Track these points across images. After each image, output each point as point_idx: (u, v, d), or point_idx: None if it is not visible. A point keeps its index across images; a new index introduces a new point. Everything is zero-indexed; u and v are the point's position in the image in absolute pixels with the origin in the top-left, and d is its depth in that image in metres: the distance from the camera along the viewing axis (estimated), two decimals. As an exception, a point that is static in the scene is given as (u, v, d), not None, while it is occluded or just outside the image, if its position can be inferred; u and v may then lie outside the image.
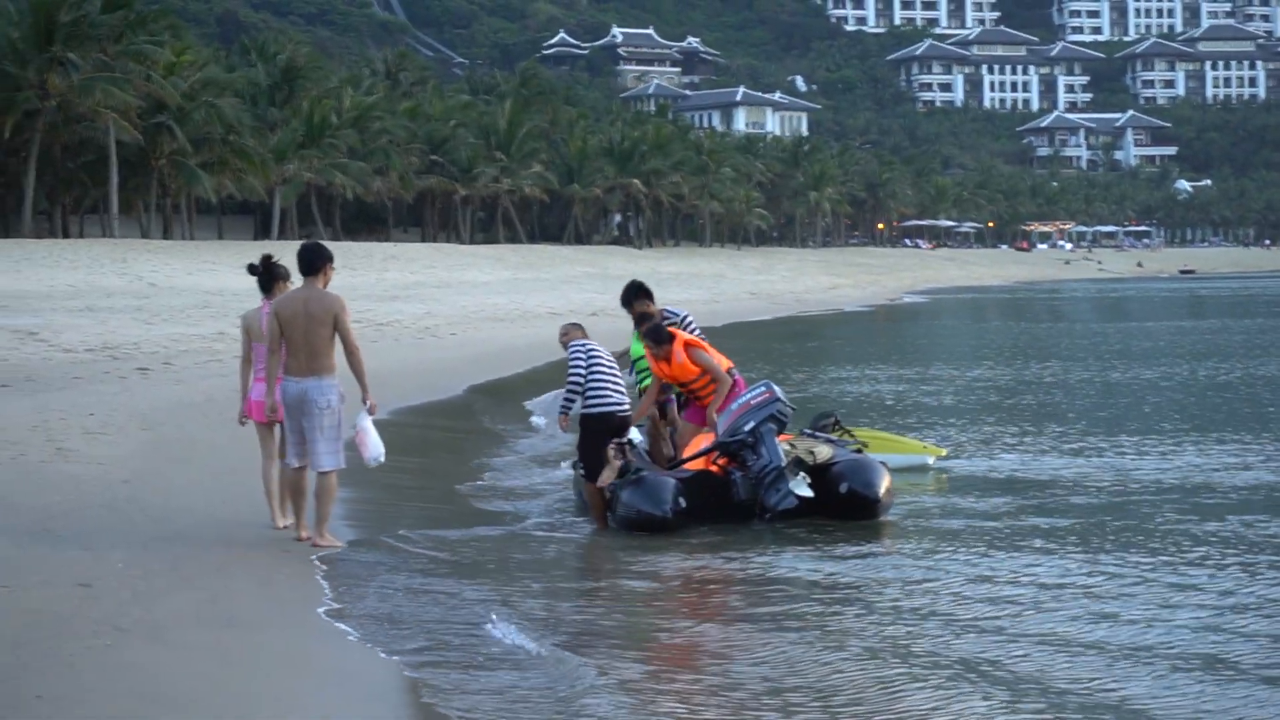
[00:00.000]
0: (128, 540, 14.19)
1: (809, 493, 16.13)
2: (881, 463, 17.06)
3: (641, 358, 17.71)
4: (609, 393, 16.50)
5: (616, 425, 16.51)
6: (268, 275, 15.70)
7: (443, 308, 53.12)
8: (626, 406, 16.71)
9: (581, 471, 16.89)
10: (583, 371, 16.56)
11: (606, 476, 16.31)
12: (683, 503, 16.12)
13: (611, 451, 16.33)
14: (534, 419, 18.47)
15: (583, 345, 16.88)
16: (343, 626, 11.94)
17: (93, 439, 20.35)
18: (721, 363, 17.35)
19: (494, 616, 12.28)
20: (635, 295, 17.93)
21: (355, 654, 11.20)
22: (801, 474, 16.27)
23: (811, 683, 10.62)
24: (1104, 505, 17.96)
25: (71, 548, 13.63)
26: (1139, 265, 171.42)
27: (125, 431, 21.32)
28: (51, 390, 25.42)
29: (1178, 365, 40.20)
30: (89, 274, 55.75)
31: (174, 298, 49.40)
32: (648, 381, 17.63)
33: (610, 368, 16.72)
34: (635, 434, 17.79)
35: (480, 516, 17.45)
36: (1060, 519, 17.06)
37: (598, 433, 16.46)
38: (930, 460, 20.72)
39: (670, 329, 17.32)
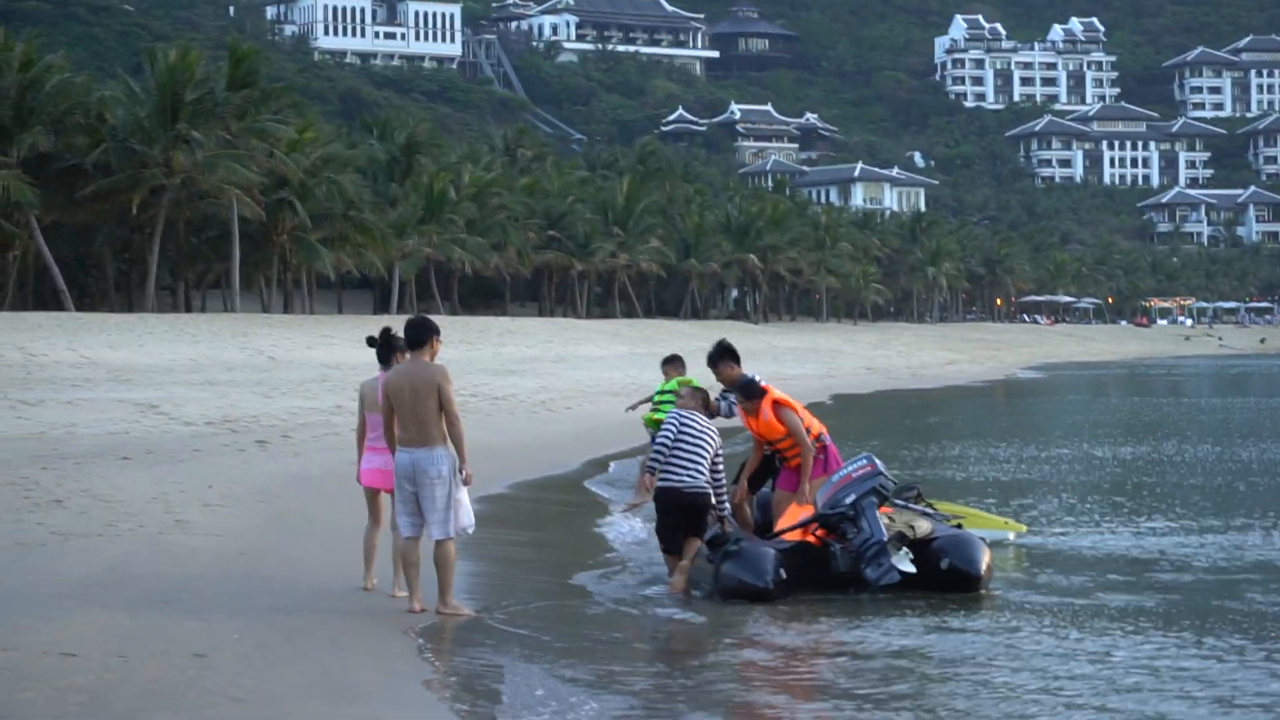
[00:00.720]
0: (244, 611, 14.33)
1: (911, 569, 16.07)
2: (981, 538, 17.01)
3: (665, 392, 17.86)
4: (676, 468, 16.41)
5: (680, 502, 16.43)
6: (385, 347, 15.92)
7: (558, 382, 53.21)
8: (692, 484, 16.42)
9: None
10: (669, 439, 16.58)
11: (678, 582, 16.45)
12: (783, 574, 16.11)
13: (710, 518, 16.53)
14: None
15: (677, 416, 16.89)
16: (443, 701, 12.04)
17: (211, 511, 20.55)
18: (813, 427, 17.40)
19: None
20: (720, 356, 17.96)
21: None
22: (904, 549, 16.20)
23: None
24: (1195, 585, 17.80)
25: (188, 619, 13.76)
26: (1262, 341, 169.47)
27: (243, 504, 21.51)
28: (171, 463, 25.65)
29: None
30: (210, 348, 56.22)
31: (293, 371, 49.73)
32: (663, 412, 17.75)
33: (695, 441, 16.56)
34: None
35: (581, 592, 17.47)
36: (1149, 597, 16.87)
37: (662, 506, 16.54)
38: (1011, 536, 20.47)
39: (764, 386, 17.42)
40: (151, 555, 16.97)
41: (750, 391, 17.48)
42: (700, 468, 16.50)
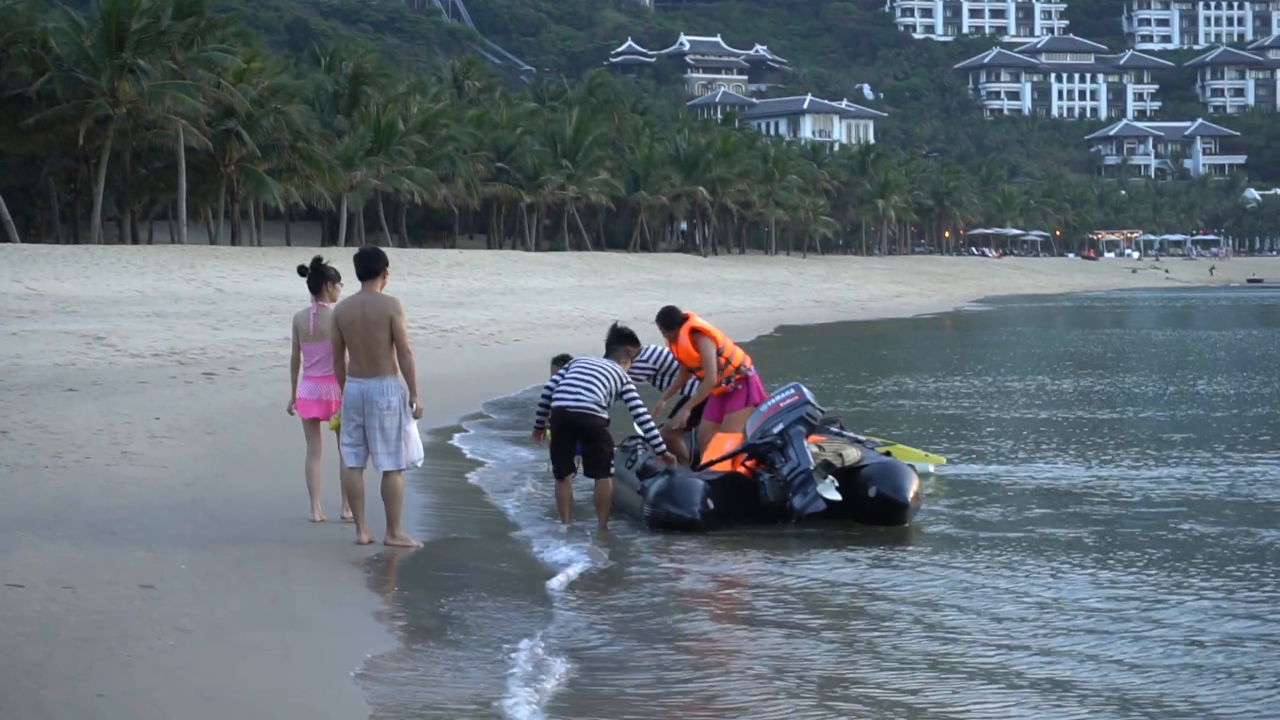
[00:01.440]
0: (191, 542, 14.36)
1: (837, 496, 16.06)
2: (910, 466, 17.07)
3: None
4: (564, 392, 16.43)
5: (567, 420, 16.37)
6: (317, 277, 16.00)
7: (507, 314, 53.24)
8: (577, 404, 16.33)
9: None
10: (553, 384, 16.77)
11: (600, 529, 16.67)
12: (711, 504, 16.17)
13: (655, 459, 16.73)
14: None
15: (570, 363, 17.10)
16: (391, 631, 12.13)
17: (158, 443, 20.55)
18: (734, 358, 17.58)
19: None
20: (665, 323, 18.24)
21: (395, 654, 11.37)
22: (830, 477, 16.18)
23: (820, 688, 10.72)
24: (1117, 516, 17.90)
25: (135, 549, 13.78)
26: (1211, 271, 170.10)
27: (190, 435, 21.52)
28: (118, 394, 25.62)
29: (1235, 377, 39.87)
30: (157, 280, 56.05)
31: (241, 303, 49.65)
32: None
33: (583, 372, 16.58)
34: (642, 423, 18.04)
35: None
36: (1082, 529, 16.95)
37: (554, 426, 16.54)
38: (931, 468, 20.49)
39: (685, 314, 17.81)
40: (98, 487, 16.97)
41: (670, 320, 17.74)
42: (587, 393, 16.39)
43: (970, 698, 10.47)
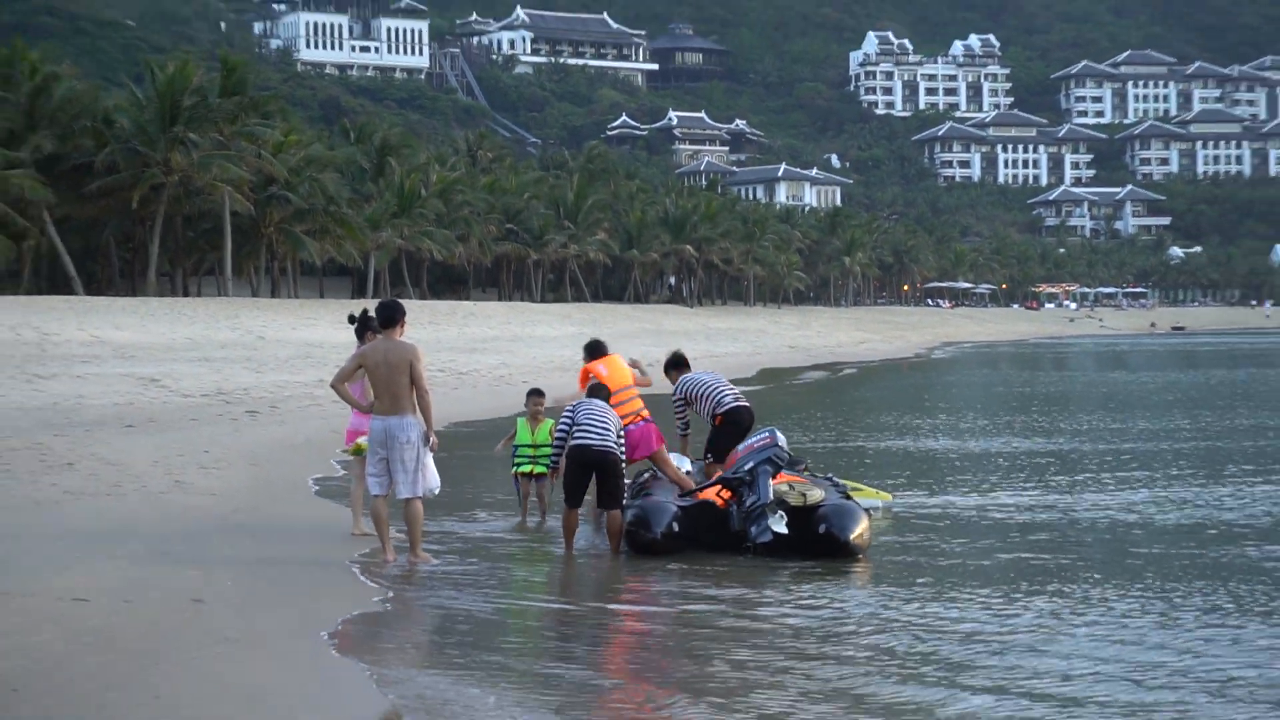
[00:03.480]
0: (235, 562, 14.41)
1: (783, 530, 15.95)
2: (866, 509, 16.86)
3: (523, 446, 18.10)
4: (584, 433, 16.16)
5: (589, 459, 16.17)
6: (363, 325, 16.24)
7: (516, 359, 53.24)
8: (600, 444, 16.10)
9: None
10: (569, 423, 16.42)
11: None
12: (676, 528, 16.10)
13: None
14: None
15: (573, 406, 16.72)
16: (409, 642, 12.16)
17: (206, 473, 20.59)
18: (624, 390, 17.54)
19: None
20: (672, 365, 18.37)
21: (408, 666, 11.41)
22: (780, 513, 16.07)
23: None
24: (1065, 542, 17.82)
25: (186, 568, 13.84)
26: (1152, 326, 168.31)
27: (235, 467, 21.55)
28: (171, 430, 25.65)
29: (1167, 415, 39.83)
30: (205, 328, 56.06)
31: (280, 349, 49.65)
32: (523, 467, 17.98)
33: (598, 414, 16.35)
34: (686, 463, 17.95)
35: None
36: (1036, 556, 16.77)
37: (573, 461, 16.27)
38: (879, 504, 20.41)
39: (612, 358, 18.02)
40: (154, 512, 17.02)
41: (596, 350, 18.14)
42: (606, 432, 16.23)
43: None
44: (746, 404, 17.92)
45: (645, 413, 17.70)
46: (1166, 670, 11.18)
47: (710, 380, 18.21)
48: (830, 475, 19.15)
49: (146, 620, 11.71)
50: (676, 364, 18.43)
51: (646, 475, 18.14)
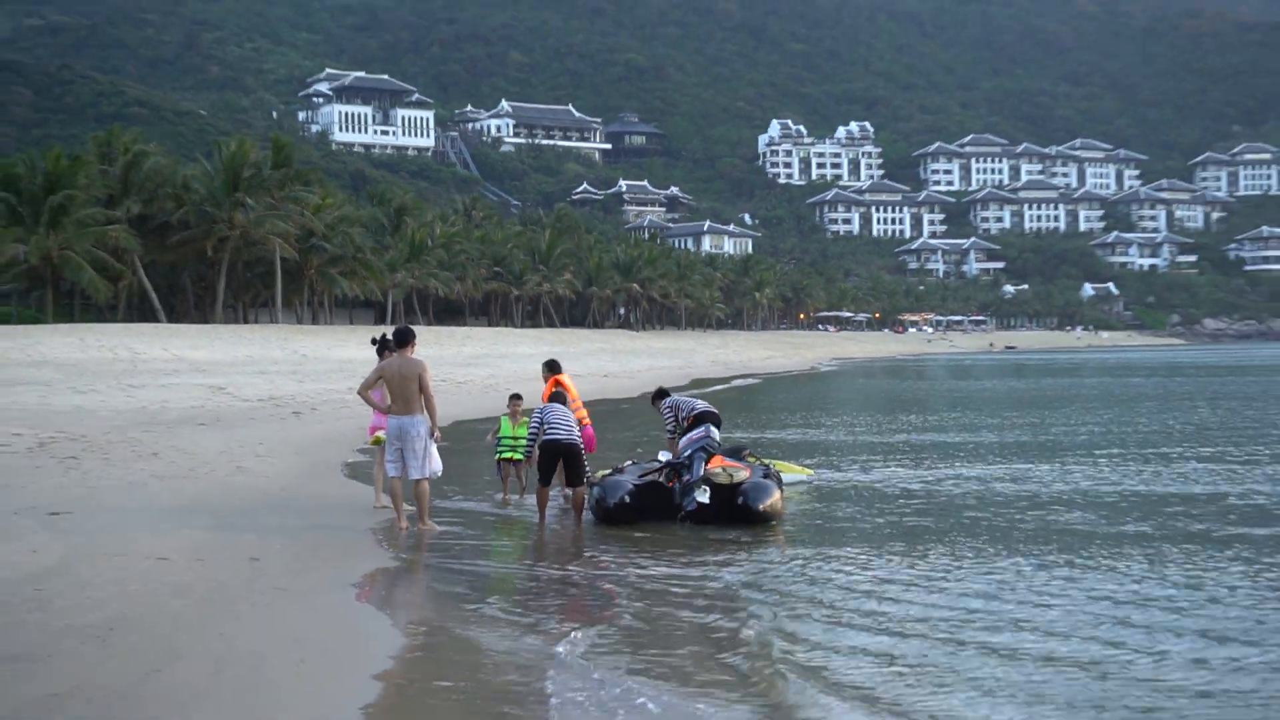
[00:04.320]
0: (284, 530, 14.39)
1: (705, 500, 16.06)
2: (778, 485, 16.78)
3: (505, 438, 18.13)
4: (553, 429, 16.09)
5: (558, 449, 16.10)
6: (382, 345, 16.29)
7: (501, 372, 53.22)
8: (568, 437, 16.05)
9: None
10: (538, 423, 16.26)
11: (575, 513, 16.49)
12: (628, 500, 16.06)
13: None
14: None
15: (540, 410, 16.53)
16: (425, 588, 12.16)
17: (261, 460, 20.54)
18: (575, 401, 17.38)
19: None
20: (657, 396, 18.49)
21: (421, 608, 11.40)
22: (704, 487, 16.15)
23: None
24: (939, 508, 17.96)
25: (246, 534, 13.82)
26: (990, 345, 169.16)
27: (284, 456, 21.51)
28: (234, 428, 25.59)
29: (1002, 411, 40.06)
30: (260, 349, 55.92)
31: (318, 365, 49.56)
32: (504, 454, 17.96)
33: (561, 414, 16.25)
34: (663, 454, 18.00)
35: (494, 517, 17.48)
36: (922, 520, 16.99)
37: (545, 452, 16.16)
38: (803, 477, 20.73)
39: (558, 379, 17.63)
40: (220, 491, 16.98)
41: (554, 367, 18.01)
42: (571, 428, 16.23)
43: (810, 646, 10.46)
44: (711, 408, 17.99)
45: (588, 420, 17.92)
46: (1007, 607, 11.24)
47: (685, 399, 18.26)
48: (764, 461, 19.19)
49: (213, 575, 11.69)
50: (661, 394, 18.55)
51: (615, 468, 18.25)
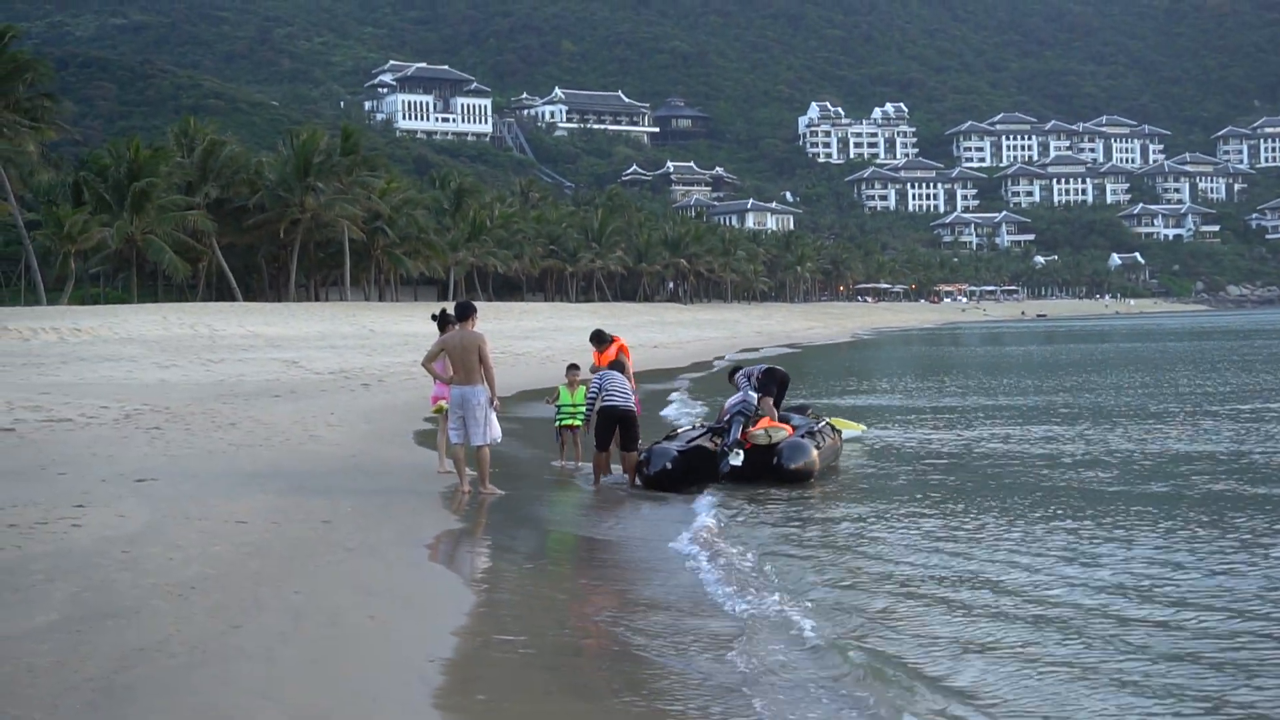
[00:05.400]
0: (354, 493, 14.43)
1: (739, 463, 16.10)
2: (816, 446, 16.62)
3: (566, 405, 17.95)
4: (610, 395, 16.20)
5: (615, 415, 16.15)
6: (442, 321, 16.19)
7: (557, 344, 53.23)
8: (624, 403, 16.13)
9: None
10: (597, 388, 16.37)
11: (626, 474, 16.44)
12: (669, 466, 15.91)
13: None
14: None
15: (599, 376, 16.61)
16: (480, 545, 12.18)
17: (332, 429, 20.62)
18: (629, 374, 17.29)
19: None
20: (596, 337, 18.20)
21: (482, 561, 11.43)
22: (738, 450, 16.17)
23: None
24: (979, 470, 17.90)
25: (318, 497, 13.87)
26: (1022, 313, 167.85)
27: (353, 425, 21.58)
28: (306, 399, 25.71)
29: (1033, 375, 39.85)
30: (331, 324, 56.17)
31: (385, 339, 49.73)
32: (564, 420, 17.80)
33: (618, 382, 16.33)
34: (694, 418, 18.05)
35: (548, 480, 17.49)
36: (960, 479, 16.96)
37: (602, 417, 16.25)
38: (858, 433, 20.98)
39: (621, 344, 17.79)
40: (294, 457, 17.05)
41: (600, 337, 17.98)
42: (627, 395, 16.28)
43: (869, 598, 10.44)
44: (777, 366, 18.04)
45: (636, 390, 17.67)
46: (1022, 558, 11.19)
47: (750, 368, 18.08)
48: (824, 418, 19.20)
49: (289, 536, 11.73)
50: (734, 371, 18.40)
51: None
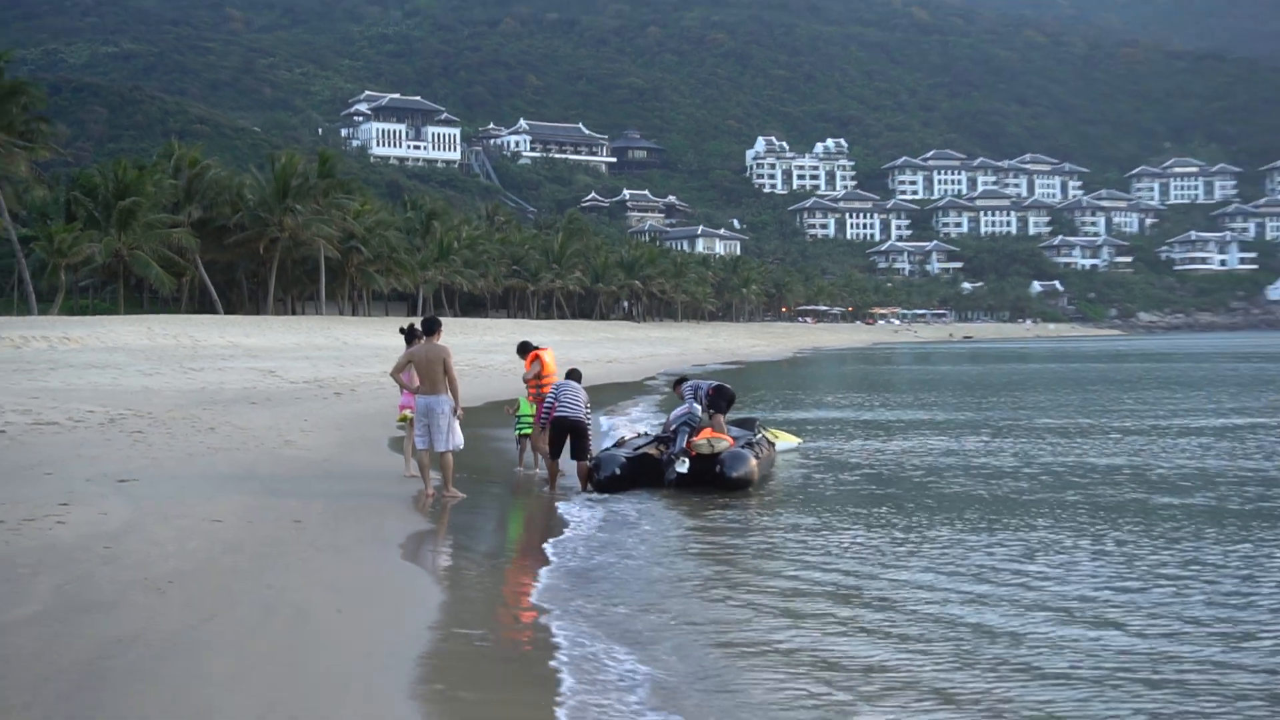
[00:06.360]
0: (325, 495, 14.36)
1: (685, 470, 16.12)
2: (754, 456, 16.63)
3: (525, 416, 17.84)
4: (563, 407, 16.19)
5: (567, 425, 16.14)
6: (409, 335, 16.18)
7: (518, 358, 53.07)
8: (574, 414, 16.08)
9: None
10: (552, 397, 16.37)
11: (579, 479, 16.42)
12: (618, 472, 15.99)
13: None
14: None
15: (556, 386, 16.62)
16: (442, 544, 12.16)
17: (305, 435, 20.51)
18: (545, 380, 17.42)
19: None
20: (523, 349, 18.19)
21: (446, 559, 11.40)
22: (684, 459, 16.19)
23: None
24: (899, 477, 18.00)
25: (290, 499, 13.80)
26: (950, 335, 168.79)
27: (325, 431, 21.48)
28: (282, 406, 25.56)
29: (959, 392, 40.12)
30: (306, 337, 55.86)
31: (357, 351, 49.48)
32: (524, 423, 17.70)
33: (572, 394, 16.32)
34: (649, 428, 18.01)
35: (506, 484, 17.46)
36: (882, 487, 17.04)
37: (555, 427, 16.23)
38: (795, 444, 21.01)
39: (538, 353, 17.89)
40: (269, 461, 16.95)
41: (524, 348, 18.24)
42: (579, 407, 16.27)
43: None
44: (725, 385, 17.95)
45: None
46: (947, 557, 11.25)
47: (700, 381, 18.14)
48: (768, 431, 19.58)
49: (263, 534, 11.67)
50: (680, 381, 18.48)
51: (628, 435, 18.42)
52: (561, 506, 15.21)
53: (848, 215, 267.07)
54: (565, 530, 13.44)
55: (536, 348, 18.10)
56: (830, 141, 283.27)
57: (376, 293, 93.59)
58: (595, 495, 15.81)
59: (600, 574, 11.05)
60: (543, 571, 11.09)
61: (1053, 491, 16.15)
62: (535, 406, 17.52)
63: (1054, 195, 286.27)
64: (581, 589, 10.42)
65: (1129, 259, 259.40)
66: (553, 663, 8.23)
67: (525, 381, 18.03)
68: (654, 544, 12.55)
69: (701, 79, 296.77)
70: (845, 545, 12.33)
